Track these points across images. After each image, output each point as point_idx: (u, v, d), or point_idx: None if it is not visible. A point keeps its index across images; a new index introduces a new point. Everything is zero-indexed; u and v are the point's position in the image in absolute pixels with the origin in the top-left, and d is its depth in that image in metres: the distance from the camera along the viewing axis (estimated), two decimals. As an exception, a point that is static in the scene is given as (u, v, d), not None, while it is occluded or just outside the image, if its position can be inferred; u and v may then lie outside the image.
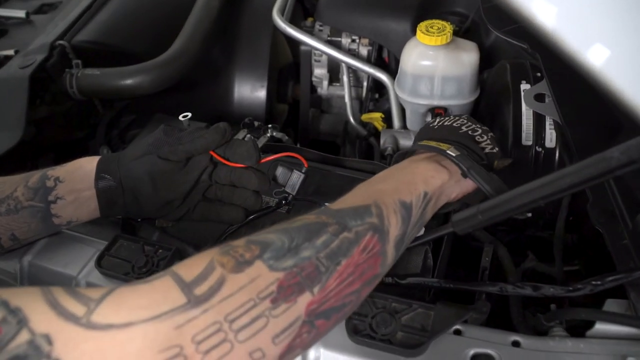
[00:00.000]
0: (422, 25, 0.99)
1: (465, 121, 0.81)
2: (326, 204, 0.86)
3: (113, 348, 0.44)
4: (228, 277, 0.50)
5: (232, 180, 0.82)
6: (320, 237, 0.56)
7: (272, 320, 0.50)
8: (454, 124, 0.81)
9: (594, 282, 0.61)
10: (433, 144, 0.77)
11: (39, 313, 0.43)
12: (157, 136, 0.80)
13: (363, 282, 0.57)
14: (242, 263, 0.51)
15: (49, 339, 0.42)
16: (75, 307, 0.45)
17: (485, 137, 0.79)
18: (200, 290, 0.48)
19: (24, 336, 0.42)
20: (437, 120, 0.84)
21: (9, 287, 0.84)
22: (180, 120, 0.92)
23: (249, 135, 1.01)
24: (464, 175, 0.73)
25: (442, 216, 0.89)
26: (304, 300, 0.52)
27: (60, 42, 1.12)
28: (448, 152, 0.74)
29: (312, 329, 0.53)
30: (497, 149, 0.79)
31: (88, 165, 0.80)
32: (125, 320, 0.45)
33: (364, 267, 0.57)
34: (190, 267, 0.51)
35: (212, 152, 0.82)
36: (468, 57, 0.99)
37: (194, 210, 0.84)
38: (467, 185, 0.76)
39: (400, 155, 0.84)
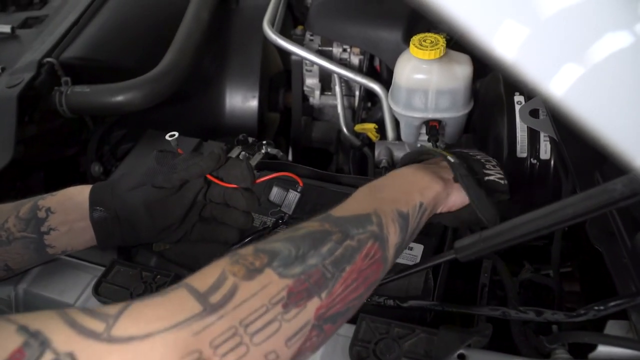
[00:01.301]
0: (415, 39, 0.98)
1: (483, 154, 0.84)
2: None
3: (136, 359, 0.45)
4: (240, 284, 0.52)
5: (225, 200, 0.82)
6: (325, 245, 0.58)
7: (285, 324, 0.52)
8: (470, 153, 0.84)
9: (596, 308, 0.61)
10: (438, 150, 0.80)
11: (59, 333, 0.45)
12: (150, 165, 0.79)
13: (366, 287, 0.60)
14: (252, 271, 0.53)
15: (73, 357, 0.43)
16: (94, 324, 0.46)
17: (496, 169, 0.81)
18: (214, 298, 0.50)
19: (48, 357, 0.43)
20: (457, 149, 0.87)
21: (4, 314, 0.84)
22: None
23: (243, 153, 1.01)
24: (455, 179, 0.76)
25: (440, 227, 0.90)
26: (313, 305, 0.54)
27: (48, 59, 1.10)
28: (448, 157, 0.77)
29: (320, 333, 0.55)
30: (504, 182, 0.80)
31: (79, 195, 0.79)
32: (145, 331, 0.46)
33: (367, 272, 0.60)
34: (203, 278, 0.53)
35: None
36: (462, 70, 0.99)
37: (192, 232, 0.84)
38: (457, 199, 0.77)
39: (407, 157, 0.86)
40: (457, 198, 0.77)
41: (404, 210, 0.67)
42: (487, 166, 0.81)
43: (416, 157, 0.85)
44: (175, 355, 0.46)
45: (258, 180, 0.82)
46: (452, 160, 0.77)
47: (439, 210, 0.77)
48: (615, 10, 0.32)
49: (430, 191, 0.73)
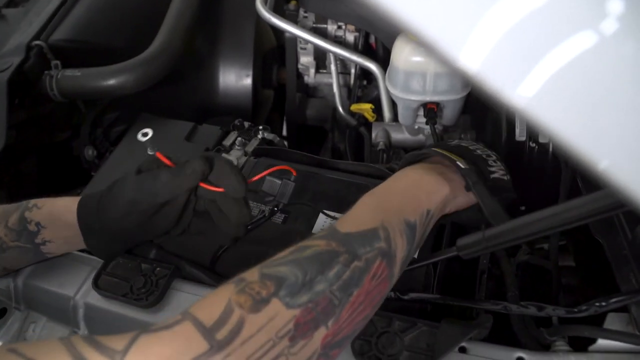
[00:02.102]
0: (414, 21, 0.96)
1: (482, 147, 0.82)
2: (334, 217, 0.84)
3: None
4: (247, 318, 0.51)
5: (215, 198, 0.77)
6: (333, 268, 0.56)
7: (291, 358, 0.51)
8: (470, 147, 0.81)
9: (597, 304, 0.62)
10: (446, 152, 0.78)
11: None
12: (130, 197, 0.73)
13: (373, 306, 0.59)
14: (259, 302, 0.52)
15: None
16: None
17: (497, 164, 0.80)
18: (221, 334, 0.50)
19: None
20: (456, 141, 0.86)
21: (3, 305, 0.84)
22: (170, 121, 0.86)
23: (239, 139, 1.00)
24: (468, 188, 0.73)
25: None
26: (320, 335, 0.53)
27: (37, 42, 1.07)
28: (458, 162, 0.75)
29: (327, 359, 0.55)
30: (507, 177, 0.79)
31: (67, 214, 0.76)
32: None
33: (374, 293, 0.58)
34: (209, 310, 0.52)
35: None
36: (461, 52, 0.97)
37: (189, 227, 0.82)
38: (463, 201, 0.76)
39: (412, 156, 0.83)
40: (463, 199, 0.75)
41: (412, 219, 0.65)
42: (489, 162, 0.79)
43: (418, 159, 0.81)
44: None
45: (252, 180, 0.79)
46: (462, 166, 0.74)
47: (447, 211, 0.75)
48: (581, 8, 0.31)
49: (437, 196, 0.71)
